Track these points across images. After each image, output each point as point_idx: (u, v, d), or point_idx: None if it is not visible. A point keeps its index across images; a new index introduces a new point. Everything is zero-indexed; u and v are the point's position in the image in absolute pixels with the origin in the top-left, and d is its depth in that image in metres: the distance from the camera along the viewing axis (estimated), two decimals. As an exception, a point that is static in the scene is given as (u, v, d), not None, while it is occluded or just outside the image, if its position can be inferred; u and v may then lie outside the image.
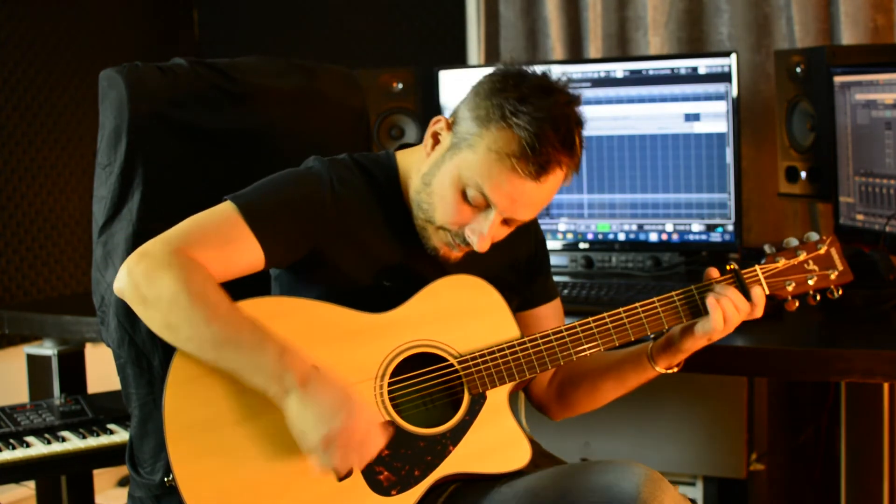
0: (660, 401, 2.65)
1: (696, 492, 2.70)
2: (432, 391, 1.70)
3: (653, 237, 2.72)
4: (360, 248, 1.73)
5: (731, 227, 2.64)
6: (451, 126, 1.70)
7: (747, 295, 1.74)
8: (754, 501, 2.78)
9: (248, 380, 1.54)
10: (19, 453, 2.18)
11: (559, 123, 1.61)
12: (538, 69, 1.67)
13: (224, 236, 1.62)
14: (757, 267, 1.78)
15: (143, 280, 1.55)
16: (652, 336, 1.80)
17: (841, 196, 2.49)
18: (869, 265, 2.17)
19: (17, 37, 3.41)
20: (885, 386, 2.08)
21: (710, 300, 1.72)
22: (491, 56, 3.44)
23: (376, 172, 1.78)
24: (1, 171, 3.35)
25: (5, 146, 3.37)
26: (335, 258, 1.71)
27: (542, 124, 1.59)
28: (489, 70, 1.70)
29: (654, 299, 1.75)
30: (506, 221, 1.69)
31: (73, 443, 2.24)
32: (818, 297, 1.81)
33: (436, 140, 1.72)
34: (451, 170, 1.66)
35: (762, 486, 2.82)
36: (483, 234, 1.66)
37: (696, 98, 2.64)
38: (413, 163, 1.76)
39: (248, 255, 1.63)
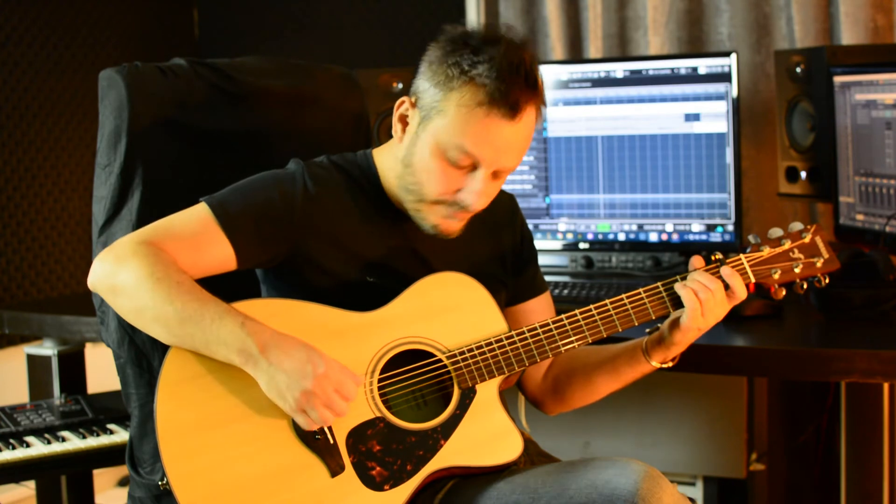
0: (660, 401, 2.65)
1: (696, 492, 2.69)
2: (422, 387, 1.71)
3: (653, 237, 2.72)
4: (340, 246, 1.74)
5: (731, 227, 2.64)
6: (414, 104, 1.72)
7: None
8: (754, 501, 2.78)
9: (214, 353, 1.57)
10: (19, 453, 2.18)
11: (517, 63, 1.65)
12: (477, 25, 1.73)
13: (192, 232, 1.66)
14: (742, 256, 1.79)
15: (111, 269, 1.60)
16: (647, 331, 1.81)
17: (841, 196, 2.49)
18: (869, 265, 2.17)
19: (17, 37, 3.41)
20: (885, 386, 2.08)
21: (678, 286, 1.74)
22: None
23: (354, 171, 1.80)
24: (1, 171, 3.36)
25: (5, 146, 3.37)
26: (316, 257, 1.72)
27: (501, 67, 1.63)
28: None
29: (640, 290, 1.76)
30: (494, 175, 1.70)
31: (73, 443, 2.24)
32: (805, 286, 1.81)
33: (404, 123, 1.74)
34: (428, 140, 1.68)
35: (762, 486, 2.82)
36: (478, 191, 1.68)
37: (696, 98, 2.64)
38: (387, 156, 1.79)
39: (218, 252, 1.66)
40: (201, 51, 4.00)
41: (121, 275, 1.59)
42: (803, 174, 2.68)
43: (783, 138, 2.74)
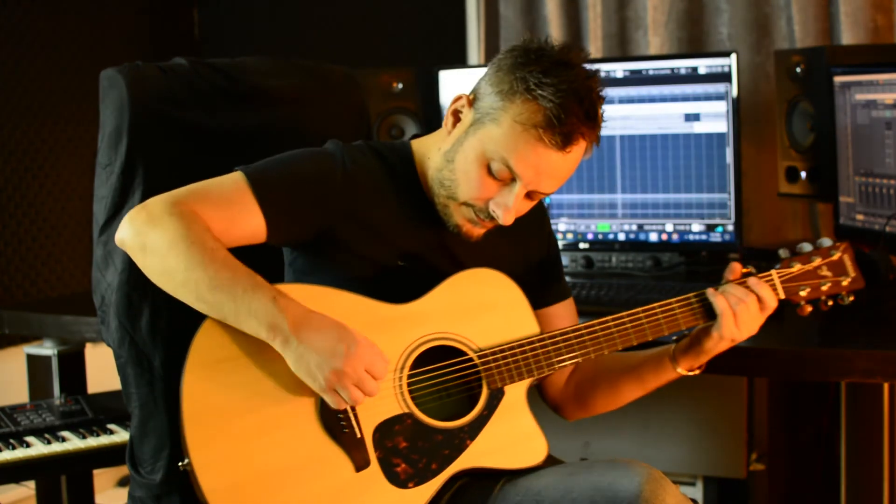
0: (660, 401, 2.65)
1: (696, 492, 2.70)
2: (449, 384, 1.70)
3: (653, 237, 2.72)
4: (373, 229, 1.73)
5: (731, 227, 2.64)
6: (472, 103, 1.71)
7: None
8: (754, 501, 2.78)
9: (242, 324, 1.55)
10: (19, 453, 2.18)
11: (582, 95, 1.63)
12: (556, 44, 1.69)
13: (227, 199, 1.64)
14: (773, 272, 1.80)
15: (144, 227, 1.58)
16: (674, 338, 1.81)
17: (841, 196, 2.49)
18: (869, 265, 2.17)
19: (18, 36, 3.41)
20: (885, 386, 2.08)
21: (714, 297, 1.73)
22: (491, 56, 3.43)
23: (391, 157, 1.79)
24: (1, 170, 3.35)
25: (5, 146, 3.37)
26: (348, 238, 1.72)
27: (566, 96, 1.61)
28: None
29: (672, 300, 1.76)
30: (528, 195, 1.70)
31: (73, 443, 2.24)
32: (830, 303, 1.83)
33: (456, 118, 1.73)
34: (475, 144, 1.67)
35: (762, 486, 2.82)
36: (508, 207, 1.67)
37: (696, 98, 2.64)
38: (430, 146, 1.78)
39: (250, 221, 1.65)
40: (201, 51, 4.00)
41: (153, 234, 1.57)
42: (803, 174, 2.68)
43: (783, 138, 2.74)
